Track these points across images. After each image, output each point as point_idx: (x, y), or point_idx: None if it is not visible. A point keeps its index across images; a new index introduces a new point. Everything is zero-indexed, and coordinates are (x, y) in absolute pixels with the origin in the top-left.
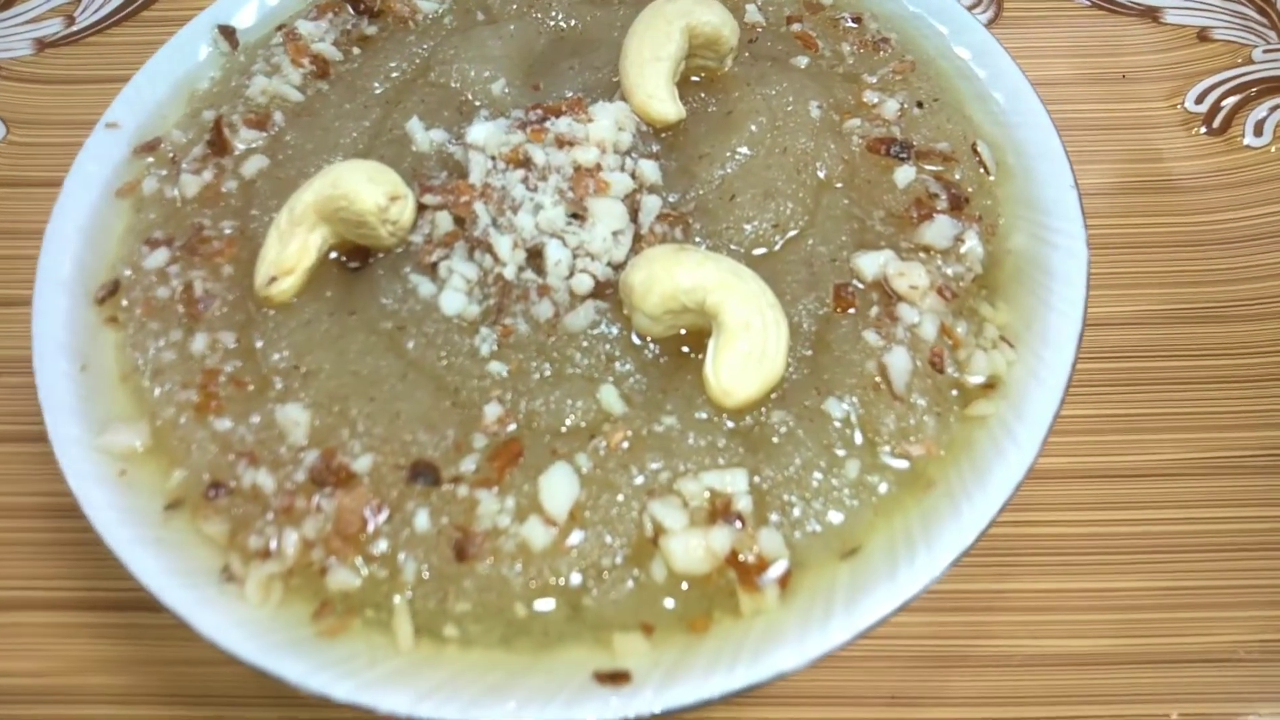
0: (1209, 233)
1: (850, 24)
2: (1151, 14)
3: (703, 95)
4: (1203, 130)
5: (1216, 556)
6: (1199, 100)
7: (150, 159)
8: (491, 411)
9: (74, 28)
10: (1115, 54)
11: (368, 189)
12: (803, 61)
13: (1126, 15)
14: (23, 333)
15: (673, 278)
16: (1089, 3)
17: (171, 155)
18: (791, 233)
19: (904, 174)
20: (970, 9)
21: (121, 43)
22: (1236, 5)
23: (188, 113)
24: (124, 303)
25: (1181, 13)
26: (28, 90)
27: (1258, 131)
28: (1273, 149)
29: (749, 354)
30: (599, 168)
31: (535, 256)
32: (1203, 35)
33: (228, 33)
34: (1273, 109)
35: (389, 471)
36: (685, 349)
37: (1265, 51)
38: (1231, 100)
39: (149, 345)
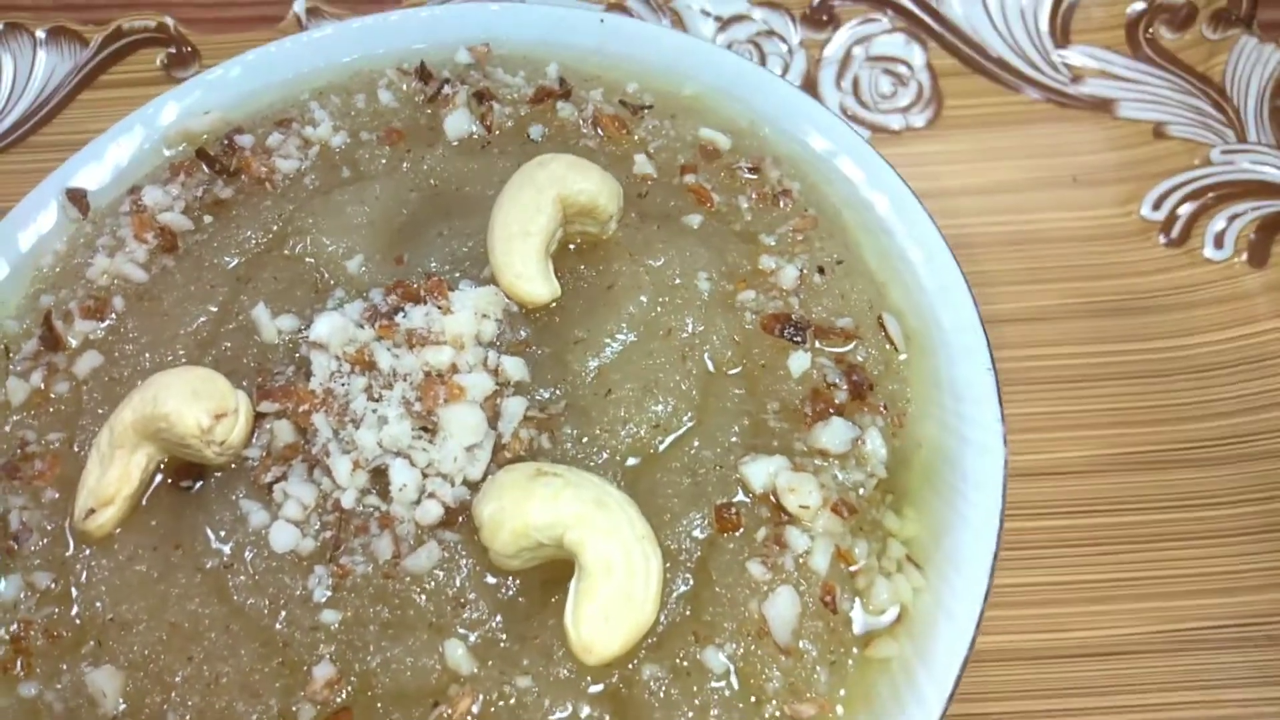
0: (1174, 361)
1: (748, 174)
2: (1105, 107)
3: (582, 266)
4: (1161, 240)
5: None
6: (1156, 206)
7: None
8: (321, 673)
9: None
10: (1065, 154)
11: (189, 408)
12: (695, 220)
13: (1077, 109)
14: None
15: (524, 514)
16: (1039, 97)
17: (4, 348)
18: (674, 434)
19: (799, 361)
20: (905, 109)
21: (8, 171)
22: (1193, 99)
23: (28, 295)
24: None
25: (1137, 105)
26: None
27: (1218, 243)
28: (1235, 263)
29: (613, 601)
30: (454, 369)
31: (380, 475)
32: (1159, 132)
33: (77, 197)
34: (1231, 218)
35: None
36: (548, 583)
37: (1223, 152)
38: (1189, 207)
39: None
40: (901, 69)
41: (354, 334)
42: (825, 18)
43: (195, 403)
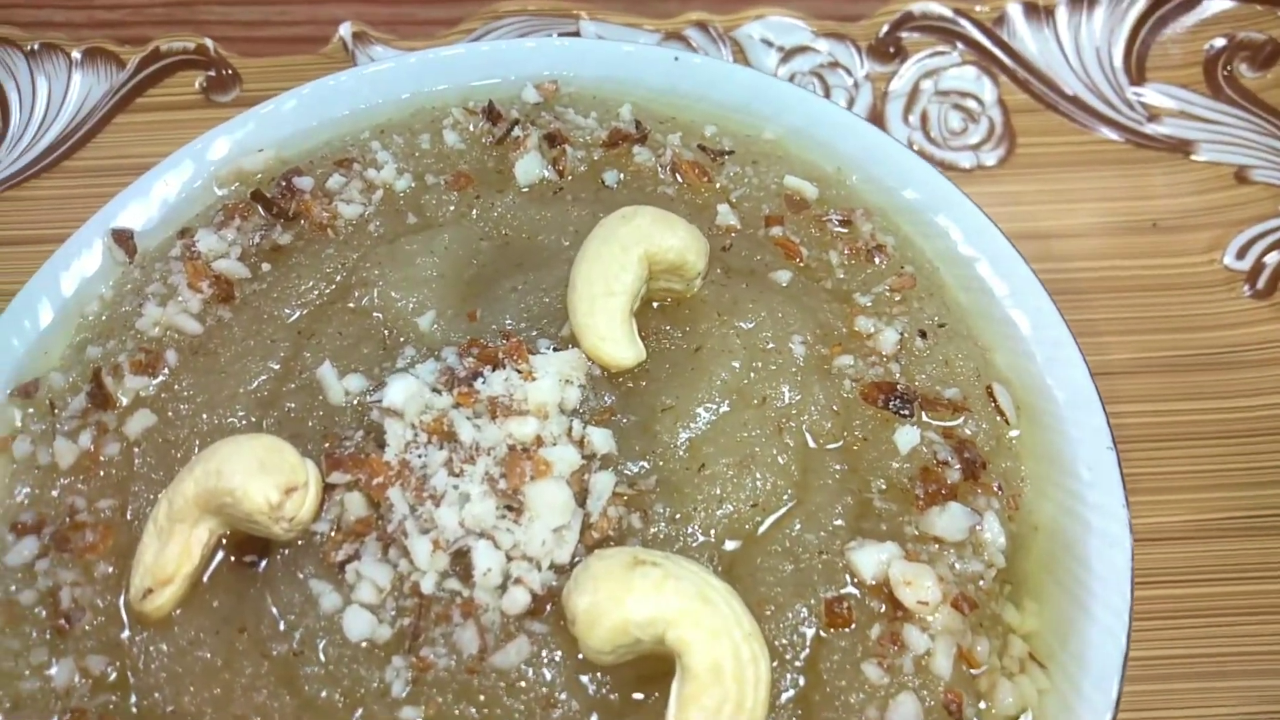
0: (1267, 420)
1: (839, 226)
2: (1184, 148)
3: (666, 327)
4: (1247, 291)
5: None
6: (1240, 255)
7: (29, 409)
8: None
9: None
10: (1144, 197)
11: (257, 483)
12: (784, 277)
13: (1154, 150)
14: None
15: (623, 608)
16: (1115, 137)
17: (50, 403)
18: (774, 514)
19: (907, 436)
20: (976, 147)
21: (43, 197)
22: (1276, 142)
23: (73, 345)
24: None
25: (1216, 148)
26: None
27: None
28: None
29: (720, 708)
30: (539, 442)
31: (461, 557)
32: (1241, 176)
33: (123, 239)
34: None
35: None
36: (643, 678)
37: None
38: (1275, 256)
39: (7, 668)
40: (972, 104)
41: (430, 400)
42: (892, 49)
43: (263, 477)
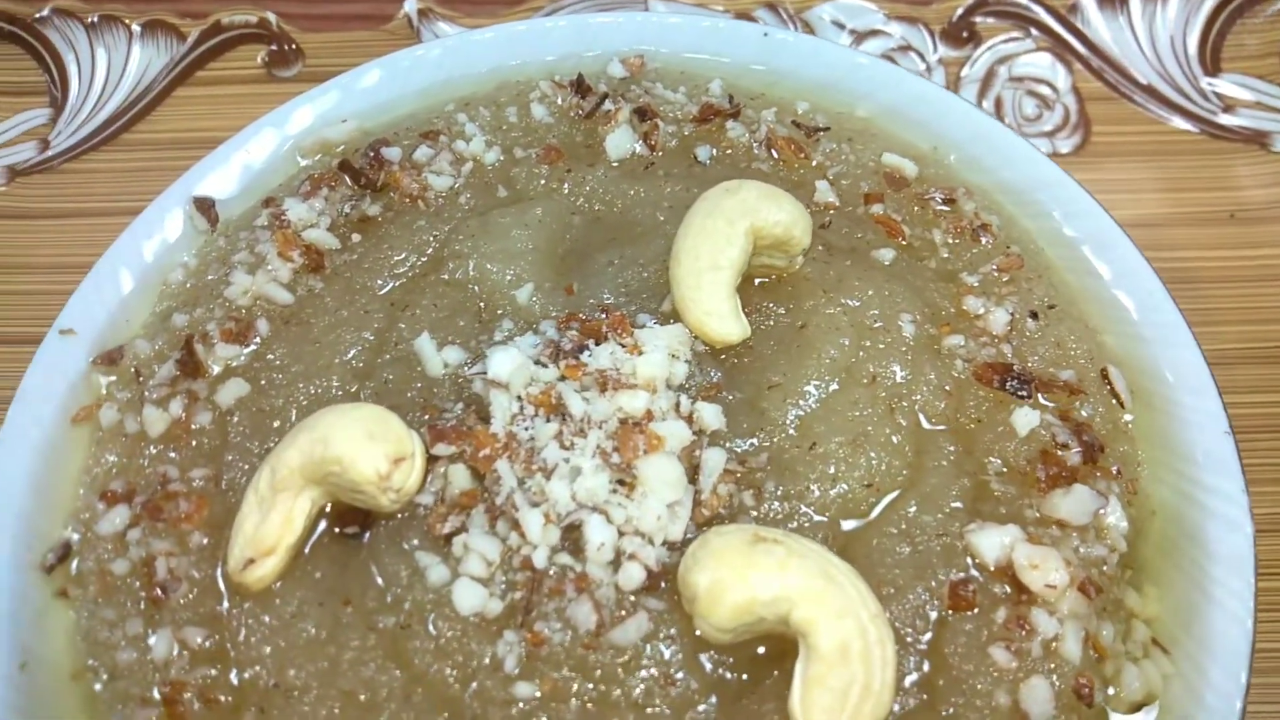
0: None
1: (941, 205)
2: (1260, 140)
3: (770, 304)
4: None
5: None
6: None
7: (111, 376)
8: None
9: (49, 153)
10: (1220, 188)
11: (365, 454)
12: (887, 255)
13: (1229, 141)
14: None
15: (747, 586)
16: (1189, 127)
17: (135, 371)
18: (889, 495)
19: (1025, 418)
20: (1051, 134)
21: (99, 170)
22: None
23: (156, 313)
24: (74, 569)
25: None
26: None
27: None
28: None
29: (849, 690)
30: (649, 417)
31: (571, 531)
32: None
33: (205, 207)
34: None
35: None
36: (760, 659)
37: None
38: None
39: (103, 638)
40: (1046, 91)
41: (535, 372)
42: (965, 34)
43: (371, 446)
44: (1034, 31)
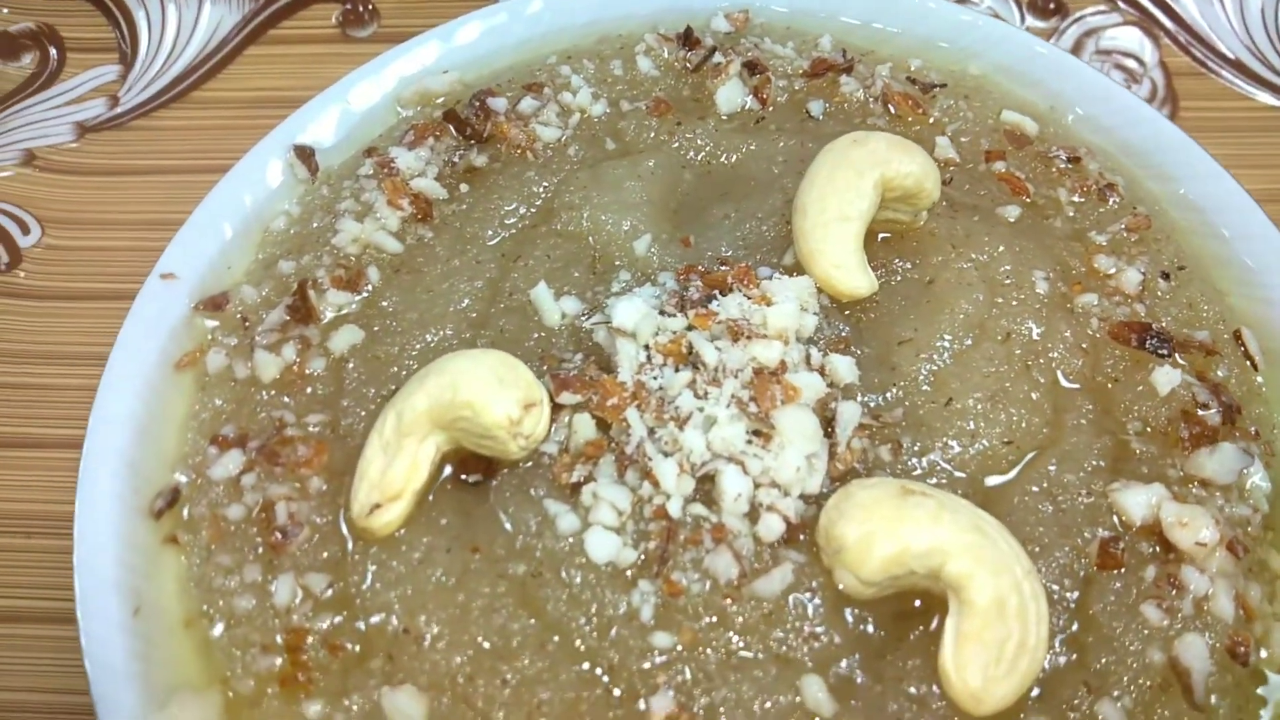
0: None
1: (1065, 163)
2: None
3: (895, 259)
4: None
5: None
6: None
7: (215, 321)
8: (660, 705)
9: (118, 109)
10: None
11: (498, 398)
12: (1012, 212)
13: None
14: (53, 482)
15: (899, 538)
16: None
17: (242, 317)
18: (1029, 453)
19: (1165, 376)
20: None
21: (169, 127)
22: None
23: (259, 260)
24: (185, 514)
25: None
26: (66, 184)
27: None
28: None
29: (1003, 646)
30: (783, 367)
31: (704, 482)
32: None
33: (305, 155)
34: None
35: None
36: (900, 615)
37: None
38: None
39: (219, 584)
40: (1133, 65)
41: (663, 322)
42: (1052, 5)
43: (502, 391)
44: (1121, 5)
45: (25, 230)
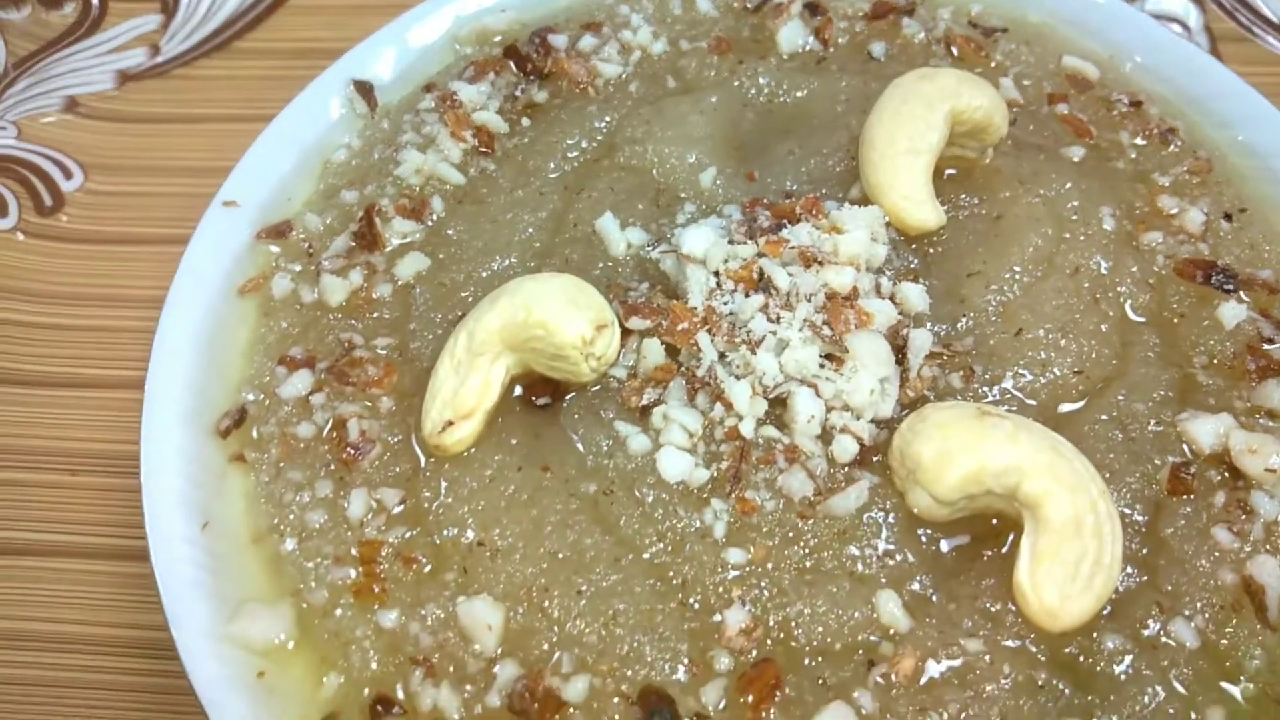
0: None
1: (1127, 106)
2: None
3: (962, 196)
4: None
5: None
6: None
7: (278, 248)
8: (734, 619)
9: (159, 58)
10: None
11: (570, 319)
12: (1076, 153)
13: None
14: (110, 421)
15: (978, 456)
16: None
17: (306, 245)
18: (1098, 383)
19: (1231, 311)
20: None
21: (210, 76)
22: None
23: (320, 190)
24: (254, 434)
25: None
26: (107, 130)
27: None
28: None
29: (1079, 563)
30: (855, 293)
31: (775, 405)
32: None
33: (365, 90)
34: None
35: (609, 701)
36: (974, 537)
37: None
38: None
39: (289, 500)
40: (1178, 30)
41: (734, 250)
42: None
43: (575, 312)
44: None
45: (68, 175)
